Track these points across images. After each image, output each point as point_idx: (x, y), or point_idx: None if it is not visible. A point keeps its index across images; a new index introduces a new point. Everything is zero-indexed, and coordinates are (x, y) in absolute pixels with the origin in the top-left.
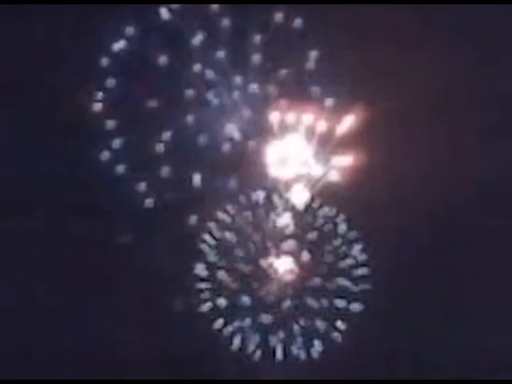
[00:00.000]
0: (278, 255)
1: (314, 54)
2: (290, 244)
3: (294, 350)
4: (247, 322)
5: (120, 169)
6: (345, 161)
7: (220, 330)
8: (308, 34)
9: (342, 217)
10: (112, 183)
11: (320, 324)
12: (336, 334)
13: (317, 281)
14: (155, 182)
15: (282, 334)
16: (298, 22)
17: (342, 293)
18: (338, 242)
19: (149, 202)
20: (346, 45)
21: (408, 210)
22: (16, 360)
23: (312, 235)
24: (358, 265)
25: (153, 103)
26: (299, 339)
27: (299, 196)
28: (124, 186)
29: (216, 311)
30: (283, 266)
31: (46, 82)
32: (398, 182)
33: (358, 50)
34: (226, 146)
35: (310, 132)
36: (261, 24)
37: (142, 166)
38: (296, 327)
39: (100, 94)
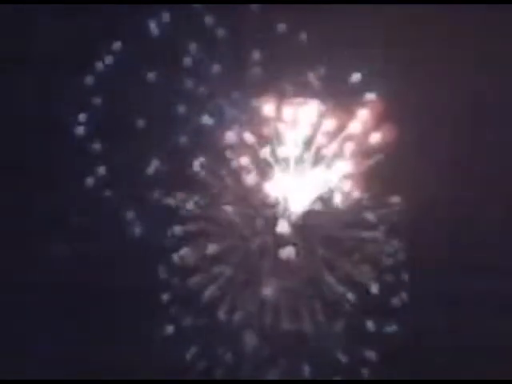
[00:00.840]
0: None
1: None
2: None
3: None
4: (229, 353)
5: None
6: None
7: (192, 363)
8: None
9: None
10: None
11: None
12: (363, 370)
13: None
14: (145, 209)
15: (282, 368)
16: (302, 37)
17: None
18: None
19: (138, 232)
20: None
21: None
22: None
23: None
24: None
25: (141, 123)
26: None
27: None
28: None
29: (183, 335)
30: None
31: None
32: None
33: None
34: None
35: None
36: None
37: (130, 192)
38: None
39: (84, 116)
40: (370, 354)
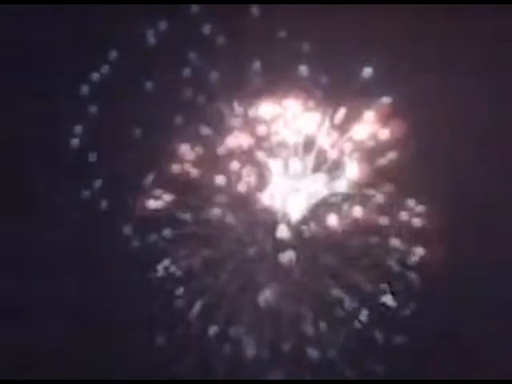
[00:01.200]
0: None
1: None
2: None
3: None
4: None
5: (103, 207)
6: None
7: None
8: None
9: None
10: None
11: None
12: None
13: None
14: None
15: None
16: (304, 42)
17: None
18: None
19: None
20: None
21: None
22: None
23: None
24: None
25: (139, 132)
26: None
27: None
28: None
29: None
30: None
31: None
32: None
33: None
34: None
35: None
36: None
37: (127, 204)
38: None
39: (79, 127)
40: (378, 368)
